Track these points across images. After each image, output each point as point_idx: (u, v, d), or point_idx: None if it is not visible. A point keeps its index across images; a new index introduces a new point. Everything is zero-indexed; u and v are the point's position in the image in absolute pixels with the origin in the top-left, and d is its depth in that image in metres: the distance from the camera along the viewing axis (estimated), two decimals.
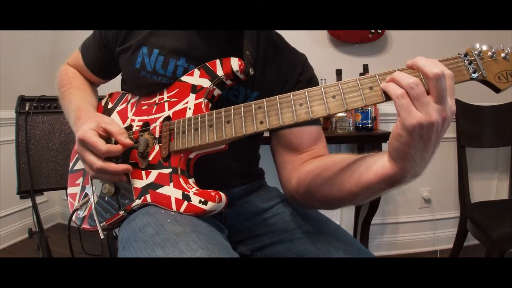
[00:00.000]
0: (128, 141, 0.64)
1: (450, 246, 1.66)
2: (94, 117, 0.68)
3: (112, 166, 0.62)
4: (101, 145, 0.61)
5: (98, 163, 0.62)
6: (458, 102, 1.62)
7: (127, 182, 0.67)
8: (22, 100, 1.25)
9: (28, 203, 1.93)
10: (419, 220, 1.90)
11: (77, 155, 0.83)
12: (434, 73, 0.44)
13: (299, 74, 0.75)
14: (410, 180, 0.50)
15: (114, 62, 0.77)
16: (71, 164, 0.84)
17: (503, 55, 0.52)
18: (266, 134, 0.72)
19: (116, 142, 0.64)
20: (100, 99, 0.84)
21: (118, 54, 0.75)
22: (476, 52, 0.52)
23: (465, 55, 0.52)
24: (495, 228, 1.26)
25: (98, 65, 0.82)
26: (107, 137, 0.65)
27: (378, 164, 0.50)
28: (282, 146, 0.73)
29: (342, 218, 1.90)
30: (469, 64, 0.51)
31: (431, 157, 0.49)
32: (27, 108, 1.25)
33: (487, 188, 1.90)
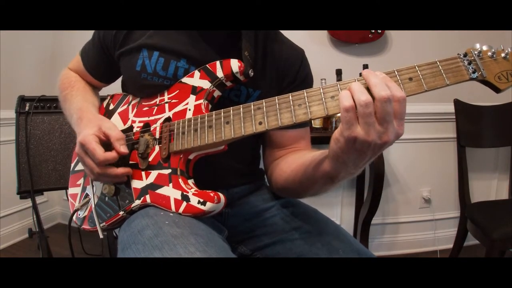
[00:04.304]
0: (123, 149, 0.64)
1: (450, 246, 1.66)
2: (95, 120, 0.68)
3: (112, 170, 0.64)
4: (99, 154, 0.62)
5: (97, 168, 0.63)
6: (458, 102, 1.62)
7: (126, 183, 0.67)
8: (22, 100, 1.25)
9: (28, 203, 1.93)
10: (419, 220, 1.90)
11: None
12: (380, 96, 0.44)
13: (296, 72, 0.76)
14: (347, 178, 0.55)
15: (114, 66, 0.78)
16: (72, 165, 0.84)
17: (503, 55, 0.51)
18: None
19: None
20: (102, 100, 0.84)
21: (118, 57, 0.75)
22: (476, 52, 0.51)
23: (465, 55, 0.51)
24: (495, 228, 1.26)
25: (98, 69, 0.83)
26: (107, 142, 0.65)
27: (322, 164, 0.56)
28: (265, 140, 0.79)
29: (342, 218, 1.89)
30: (469, 64, 0.51)
31: (366, 164, 0.51)
32: (27, 108, 1.25)
33: (487, 188, 1.90)
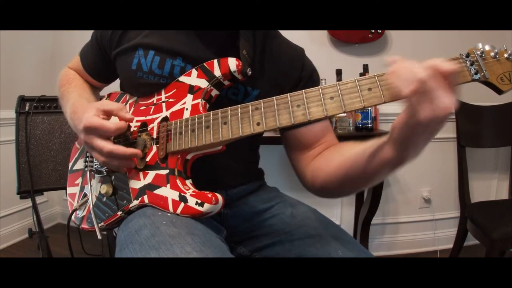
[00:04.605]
0: (129, 115, 0.64)
1: (450, 246, 1.66)
2: (90, 106, 0.67)
3: (121, 149, 0.62)
4: (110, 124, 0.61)
5: (108, 146, 0.61)
6: (458, 102, 1.62)
7: (124, 182, 0.67)
8: (22, 100, 1.25)
9: (28, 203, 1.93)
10: (419, 220, 1.90)
11: (76, 155, 0.83)
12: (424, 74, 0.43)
13: (300, 72, 0.75)
14: (412, 160, 0.52)
15: (111, 66, 0.78)
16: (70, 164, 0.84)
17: (506, 55, 0.50)
18: (267, 134, 0.72)
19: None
20: (99, 99, 0.84)
21: (115, 57, 0.75)
22: (478, 52, 0.50)
23: (467, 55, 0.50)
24: (495, 228, 1.26)
25: (97, 69, 0.83)
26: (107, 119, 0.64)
27: (382, 153, 0.52)
28: (290, 145, 0.74)
29: (342, 218, 1.89)
30: (471, 65, 0.49)
31: (430, 140, 0.49)
32: (27, 108, 1.25)
33: (487, 188, 1.90)
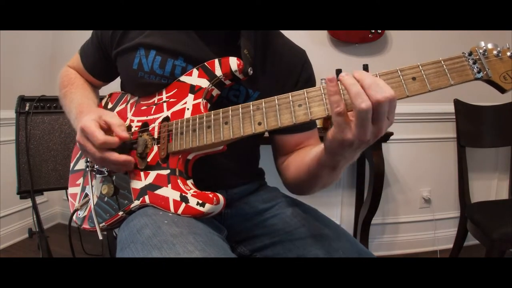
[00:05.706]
0: (125, 134, 0.64)
1: (450, 246, 1.66)
2: (96, 111, 0.69)
3: (113, 155, 0.63)
4: (99, 135, 0.61)
5: (98, 153, 0.62)
6: (458, 102, 1.62)
7: (126, 182, 0.67)
8: (22, 100, 1.25)
9: (28, 203, 1.93)
10: (419, 220, 1.90)
11: (77, 155, 0.83)
12: (376, 99, 0.44)
13: (298, 74, 0.75)
14: (347, 165, 0.57)
15: (112, 64, 0.78)
16: (71, 164, 0.84)
17: (508, 54, 0.50)
18: (267, 134, 0.72)
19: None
20: (100, 99, 0.84)
21: (115, 57, 0.75)
22: (481, 51, 0.50)
23: (470, 54, 0.50)
24: (495, 228, 1.26)
25: (97, 68, 0.83)
26: (108, 130, 0.65)
27: (320, 156, 0.57)
28: (274, 148, 0.79)
29: (342, 218, 1.89)
30: (474, 63, 0.49)
31: (360, 152, 0.53)
32: (27, 108, 1.25)
33: (487, 188, 1.90)
